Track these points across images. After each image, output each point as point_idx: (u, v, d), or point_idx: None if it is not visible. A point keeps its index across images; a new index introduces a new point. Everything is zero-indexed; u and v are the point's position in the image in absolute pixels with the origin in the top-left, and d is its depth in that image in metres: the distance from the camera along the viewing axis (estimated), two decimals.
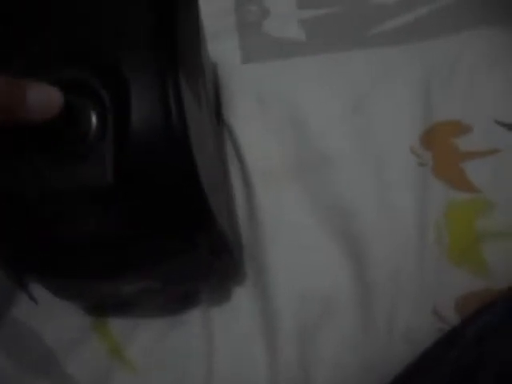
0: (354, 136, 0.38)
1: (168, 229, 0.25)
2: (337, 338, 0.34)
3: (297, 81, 0.40)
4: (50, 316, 0.35)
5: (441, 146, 0.38)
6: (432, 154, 0.37)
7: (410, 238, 0.35)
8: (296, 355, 0.33)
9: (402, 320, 0.33)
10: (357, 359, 0.33)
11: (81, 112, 0.23)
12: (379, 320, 0.34)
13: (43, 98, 0.21)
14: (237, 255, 0.34)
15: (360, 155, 0.38)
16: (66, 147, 0.23)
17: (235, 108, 0.40)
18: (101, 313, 0.36)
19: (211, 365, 0.34)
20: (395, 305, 0.34)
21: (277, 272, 0.35)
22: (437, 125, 0.38)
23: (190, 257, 0.28)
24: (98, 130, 0.23)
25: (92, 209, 0.24)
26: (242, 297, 0.35)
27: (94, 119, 0.23)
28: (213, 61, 0.40)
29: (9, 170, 0.23)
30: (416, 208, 0.36)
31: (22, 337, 0.35)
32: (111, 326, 0.35)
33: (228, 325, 0.35)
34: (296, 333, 0.34)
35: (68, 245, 0.25)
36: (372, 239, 0.35)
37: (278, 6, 0.44)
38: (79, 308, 0.35)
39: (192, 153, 0.24)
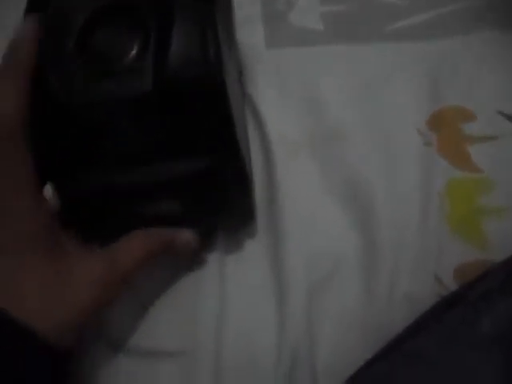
0: (365, 116, 0.41)
1: (196, 145, 0.28)
2: (342, 296, 0.35)
3: (315, 65, 0.44)
4: None
5: (446, 128, 0.40)
6: (437, 135, 0.40)
7: (413, 206, 0.37)
8: (303, 309, 0.34)
9: (403, 282, 0.35)
10: (360, 317, 0.34)
11: (128, 32, 0.26)
12: (382, 281, 0.35)
13: (186, 241, 0.33)
14: (252, 202, 0.36)
15: (370, 133, 0.40)
16: (113, 61, 0.26)
17: (258, 84, 0.43)
18: None
19: (223, 308, 0.35)
20: (398, 268, 0.35)
21: (289, 232, 0.37)
22: (444, 109, 0.41)
23: (211, 180, 0.30)
24: (141, 48, 0.26)
25: (132, 119, 0.27)
26: (255, 250, 0.37)
27: (138, 38, 0.26)
28: (240, 42, 0.44)
29: (61, 78, 0.26)
30: (420, 179, 0.38)
31: None
32: None
33: (240, 274, 0.36)
34: (304, 288, 0.35)
35: (108, 156, 0.27)
36: (378, 207, 0.37)
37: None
38: None
39: (223, 77, 0.27)
